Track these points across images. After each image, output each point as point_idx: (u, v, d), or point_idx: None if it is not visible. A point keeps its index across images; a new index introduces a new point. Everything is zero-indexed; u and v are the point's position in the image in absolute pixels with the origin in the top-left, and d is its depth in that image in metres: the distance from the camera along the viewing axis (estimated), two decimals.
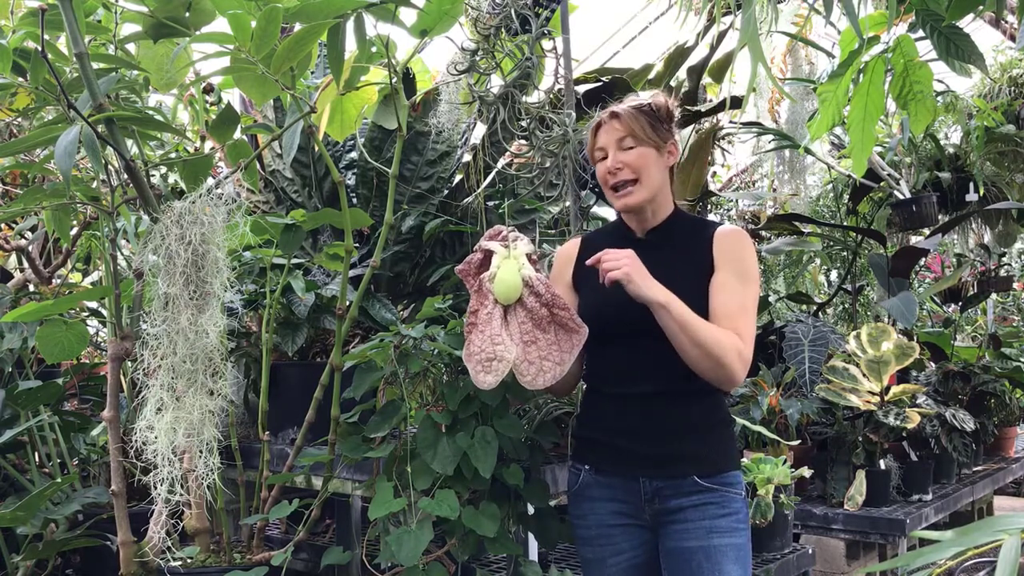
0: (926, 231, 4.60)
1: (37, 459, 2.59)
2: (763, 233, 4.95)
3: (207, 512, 2.07)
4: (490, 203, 2.88)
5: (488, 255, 1.70)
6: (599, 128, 1.74)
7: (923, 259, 4.84)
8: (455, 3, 2.00)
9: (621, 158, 1.70)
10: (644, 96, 1.76)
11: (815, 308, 4.81)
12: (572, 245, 1.87)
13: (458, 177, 3.07)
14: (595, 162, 1.77)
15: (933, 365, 4.33)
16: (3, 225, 3.46)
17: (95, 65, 1.78)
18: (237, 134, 2.02)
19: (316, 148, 2.65)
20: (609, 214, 3.29)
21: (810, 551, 2.79)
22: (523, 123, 2.26)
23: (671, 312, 1.55)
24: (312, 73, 2.83)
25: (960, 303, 5.11)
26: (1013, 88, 4.59)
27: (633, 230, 1.78)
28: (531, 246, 1.70)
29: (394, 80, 2.00)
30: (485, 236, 1.73)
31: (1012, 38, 4.90)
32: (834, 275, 5.86)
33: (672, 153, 1.75)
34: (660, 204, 1.75)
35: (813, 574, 2.85)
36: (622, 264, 1.56)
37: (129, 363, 1.98)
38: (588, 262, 1.62)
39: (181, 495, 1.64)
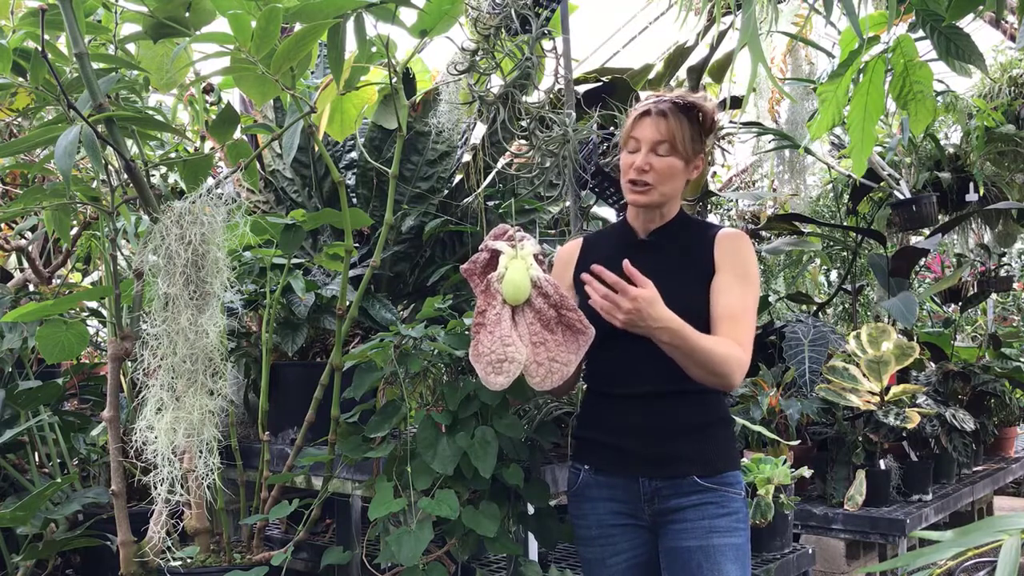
0: (926, 231, 4.60)
1: (37, 459, 2.59)
2: (763, 233, 4.95)
3: (207, 512, 2.07)
4: (490, 203, 2.88)
5: (495, 255, 1.69)
6: (643, 117, 1.69)
7: (923, 259, 4.84)
8: (455, 3, 2.00)
9: (651, 161, 1.67)
10: (703, 101, 1.71)
11: (815, 308, 4.81)
12: (573, 246, 1.87)
13: (458, 177, 3.07)
14: (624, 147, 1.72)
15: (933, 365, 4.33)
16: (3, 225, 3.46)
17: (95, 65, 1.78)
18: (237, 134, 2.02)
19: (316, 148, 2.65)
20: (609, 214, 3.29)
21: (810, 551, 2.78)
22: (523, 123, 2.25)
23: (677, 347, 1.54)
24: (312, 73, 2.83)
25: (960, 303, 5.11)
26: (1013, 88, 4.58)
27: (636, 231, 1.78)
28: (538, 246, 1.70)
29: (394, 80, 2.00)
30: (490, 235, 1.72)
31: (1012, 38, 4.90)
32: (834, 275, 5.86)
33: (697, 168, 1.74)
34: (669, 208, 1.75)
35: (813, 574, 2.85)
36: (620, 316, 1.50)
37: (129, 363, 1.98)
38: (586, 284, 1.55)
39: (181, 495, 1.64)
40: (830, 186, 5.11)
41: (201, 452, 1.65)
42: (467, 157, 3.03)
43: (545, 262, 1.72)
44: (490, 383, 1.60)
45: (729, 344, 1.58)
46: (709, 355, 1.55)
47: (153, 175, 2.90)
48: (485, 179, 2.73)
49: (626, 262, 1.53)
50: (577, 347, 1.65)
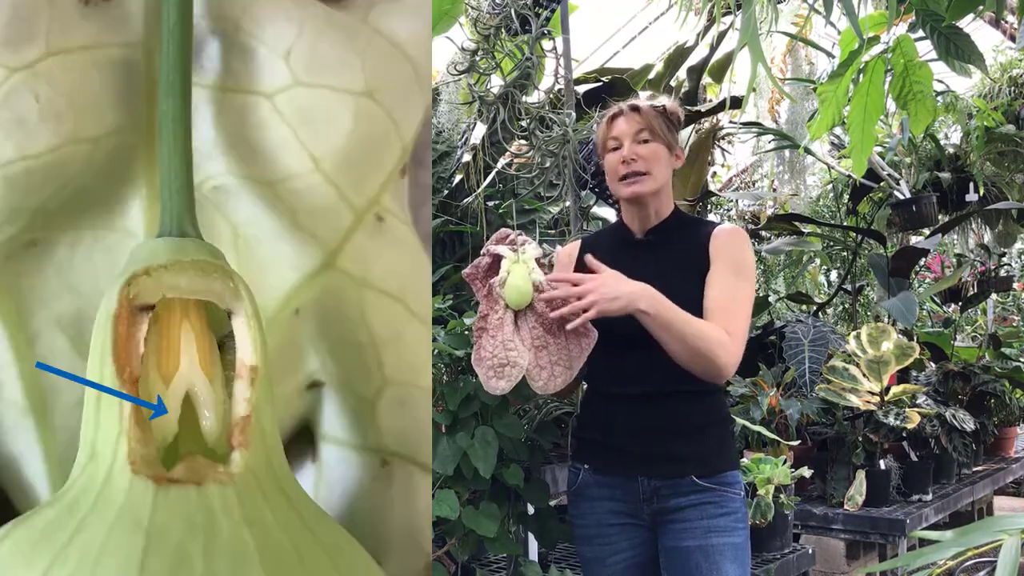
0: (926, 231, 4.60)
1: None
2: (763, 233, 4.95)
3: None
4: (490, 203, 2.88)
5: (496, 259, 1.69)
6: (615, 118, 1.72)
7: (923, 259, 4.84)
8: (455, 3, 2.01)
9: (636, 150, 1.69)
10: (660, 99, 1.76)
11: (815, 308, 4.81)
12: (572, 247, 1.87)
13: (458, 177, 3.08)
14: (605, 152, 1.74)
15: (933, 365, 4.33)
16: None
17: None
18: None
19: None
20: (609, 214, 3.29)
21: (810, 551, 2.78)
22: (523, 123, 2.26)
23: (652, 318, 1.54)
24: None
25: (960, 303, 5.11)
26: (1013, 88, 4.58)
27: (632, 231, 1.78)
28: (539, 250, 1.70)
29: None
30: (492, 240, 1.73)
31: (1012, 38, 4.90)
32: (834, 275, 5.85)
33: (679, 157, 1.75)
34: (662, 203, 1.75)
35: (813, 574, 2.85)
36: (585, 303, 1.50)
37: None
38: (547, 306, 1.59)
39: None
40: (830, 186, 5.11)
41: None
42: (467, 157, 3.04)
43: (547, 265, 1.72)
44: (491, 387, 1.60)
45: (712, 325, 1.58)
46: (688, 328, 1.54)
47: None
48: (485, 179, 2.73)
49: (588, 256, 1.56)
50: (580, 350, 1.65)
